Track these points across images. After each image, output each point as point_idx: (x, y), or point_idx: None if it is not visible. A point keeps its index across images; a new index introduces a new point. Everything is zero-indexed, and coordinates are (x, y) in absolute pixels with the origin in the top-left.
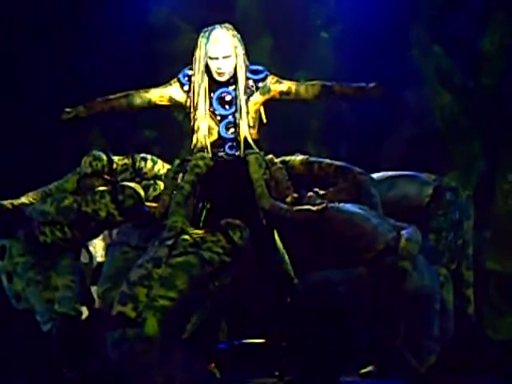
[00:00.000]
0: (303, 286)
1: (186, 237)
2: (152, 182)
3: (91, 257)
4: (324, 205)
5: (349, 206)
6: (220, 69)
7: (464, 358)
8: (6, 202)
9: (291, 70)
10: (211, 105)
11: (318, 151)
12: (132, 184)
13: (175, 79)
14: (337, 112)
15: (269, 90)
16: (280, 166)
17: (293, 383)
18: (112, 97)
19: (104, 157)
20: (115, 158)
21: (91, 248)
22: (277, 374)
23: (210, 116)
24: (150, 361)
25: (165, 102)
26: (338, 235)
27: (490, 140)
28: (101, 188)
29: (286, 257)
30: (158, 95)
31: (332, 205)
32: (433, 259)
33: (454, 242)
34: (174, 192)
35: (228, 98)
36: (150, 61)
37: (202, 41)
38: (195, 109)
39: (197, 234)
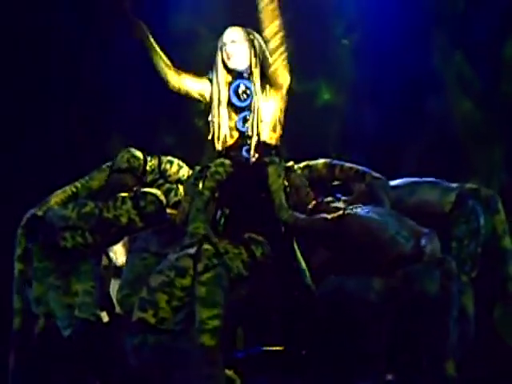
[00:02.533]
0: (318, 294)
1: (209, 247)
2: (174, 186)
3: (110, 262)
4: (340, 212)
5: (367, 213)
6: (228, 53)
7: (485, 367)
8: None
9: (312, 77)
10: (229, 96)
11: (338, 157)
12: (153, 190)
13: (206, 76)
14: (358, 118)
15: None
16: (299, 173)
17: None
18: (157, 50)
19: (141, 156)
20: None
21: (111, 254)
22: None
23: (228, 108)
24: (170, 368)
25: (194, 94)
26: (353, 244)
27: (511, 148)
28: (122, 194)
29: (304, 265)
30: (191, 84)
31: (349, 211)
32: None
33: (475, 250)
34: (194, 198)
35: (242, 88)
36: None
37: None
38: (212, 100)
39: (218, 243)
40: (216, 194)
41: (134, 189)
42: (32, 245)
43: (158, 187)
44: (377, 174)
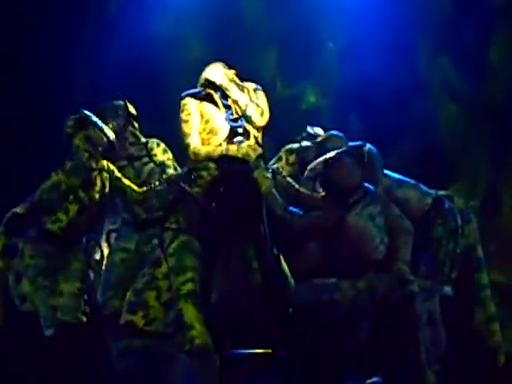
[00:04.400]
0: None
1: (171, 226)
2: (158, 169)
3: (102, 255)
4: (340, 214)
5: (367, 216)
6: None
7: (467, 370)
8: None
9: (297, 80)
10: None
11: None
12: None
13: None
14: (343, 120)
15: None
16: (284, 174)
17: None
18: None
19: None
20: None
21: (104, 248)
22: None
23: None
24: (155, 373)
25: None
26: (346, 245)
27: (495, 152)
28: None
29: (287, 269)
30: None
31: (349, 215)
32: (434, 269)
33: (453, 251)
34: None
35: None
36: (157, 72)
37: None
38: None
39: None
40: (201, 199)
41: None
42: (21, 241)
43: (143, 166)
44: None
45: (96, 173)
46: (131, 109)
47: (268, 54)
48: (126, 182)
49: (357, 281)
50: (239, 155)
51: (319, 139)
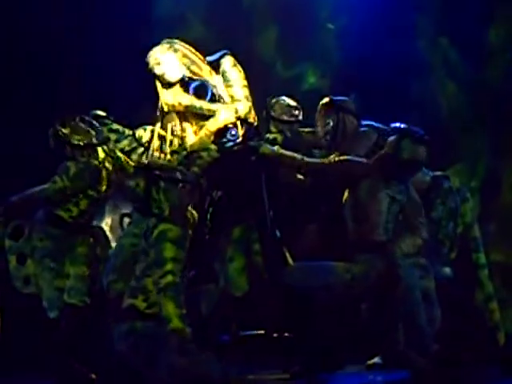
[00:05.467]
0: (281, 279)
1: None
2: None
3: (108, 241)
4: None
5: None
6: None
7: (468, 350)
8: None
9: (297, 60)
10: None
11: None
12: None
13: None
14: None
15: None
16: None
17: (298, 375)
18: None
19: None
20: (114, 126)
21: (108, 233)
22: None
23: None
24: (154, 353)
25: None
26: (350, 220)
27: (495, 132)
28: None
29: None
30: None
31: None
32: (433, 249)
33: (453, 231)
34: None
35: None
36: None
37: None
38: None
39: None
40: (201, 180)
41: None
42: (29, 223)
43: (140, 156)
44: None
45: (100, 166)
46: (98, 113)
47: (268, 34)
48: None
49: (352, 265)
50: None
51: None
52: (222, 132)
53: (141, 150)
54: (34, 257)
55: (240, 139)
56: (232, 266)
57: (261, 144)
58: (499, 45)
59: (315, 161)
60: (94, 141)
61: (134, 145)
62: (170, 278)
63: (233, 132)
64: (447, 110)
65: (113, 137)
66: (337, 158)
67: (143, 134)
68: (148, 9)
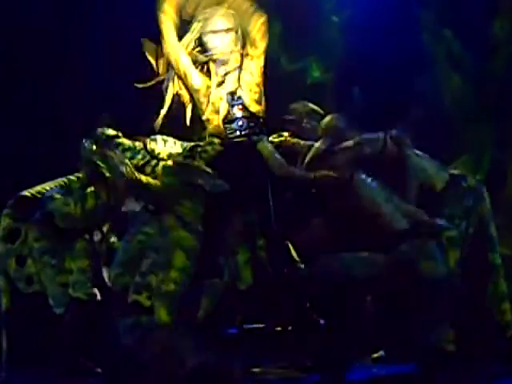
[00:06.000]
0: (317, 268)
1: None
2: (168, 162)
3: (104, 236)
4: (350, 173)
5: (372, 183)
6: None
7: (474, 344)
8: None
9: (301, 54)
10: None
11: None
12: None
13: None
14: (347, 95)
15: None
16: (286, 136)
17: (305, 369)
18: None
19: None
20: (126, 142)
21: (104, 228)
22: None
23: None
24: (161, 346)
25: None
26: (356, 210)
27: (501, 124)
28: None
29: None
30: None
31: (358, 176)
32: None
33: (465, 230)
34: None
35: None
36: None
37: None
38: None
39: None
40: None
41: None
42: (25, 225)
43: (153, 168)
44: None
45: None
46: (109, 132)
47: (271, 29)
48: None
49: (392, 254)
50: None
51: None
52: (229, 122)
53: (154, 162)
54: (33, 256)
55: (246, 131)
56: (236, 259)
57: (261, 139)
58: (504, 37)
59: (300, 174)
60: (120, 177)
61: (147, 158)
62: (171, 286)
63: (240, 123)
64: (452, 103)
65: (127, 155)
66: (318, 174)
67: (155, 146)
68: (150, 7)
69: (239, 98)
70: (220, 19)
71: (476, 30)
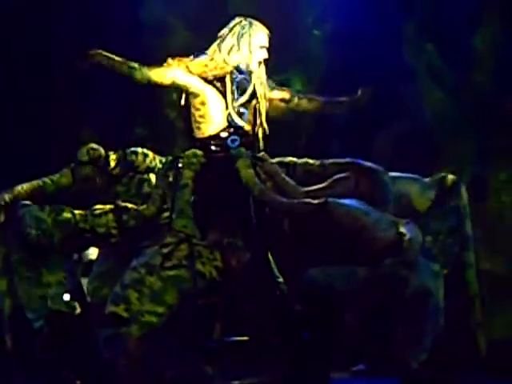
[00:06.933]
0: (301, 281)
1: (184, 247)
2: (146, 176)
3: (80, 257)
4: (324, 199)
5: (348, 201)
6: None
7: (455, 356)
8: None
9: (283, 67)
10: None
11: (310, 147)
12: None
13: (180, 61)
14: None
15: (273, 89)
16: (272, 161)
17: (284, 381)
18: (117, 59)
19: (101, 148)
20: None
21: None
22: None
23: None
24: (141, 358)
25: (165, 83)
26: (337, 229)
27: (481, 138)
28: (101, 206)
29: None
30: (160, 75)
31: (332, 199)
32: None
33: (451, 248)
34: (170, 190)
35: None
36: (141, 59)
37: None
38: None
39: (195, 245)
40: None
41: (117, 202)
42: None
43: (130, 180)
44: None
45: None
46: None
47: None
48: None
49: (375, 268)
50: None
51: None
52: (222, 138)
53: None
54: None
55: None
56: None
57: (240, 155)
58: (485, 50)
59: (281, 201)
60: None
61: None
62: (154, 319)
63: (233, 138)
64: (433, 116)
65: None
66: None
67: (135, 158)
68: (133, 15)
69: (243, 113)
70: None
71: (457, 43)
